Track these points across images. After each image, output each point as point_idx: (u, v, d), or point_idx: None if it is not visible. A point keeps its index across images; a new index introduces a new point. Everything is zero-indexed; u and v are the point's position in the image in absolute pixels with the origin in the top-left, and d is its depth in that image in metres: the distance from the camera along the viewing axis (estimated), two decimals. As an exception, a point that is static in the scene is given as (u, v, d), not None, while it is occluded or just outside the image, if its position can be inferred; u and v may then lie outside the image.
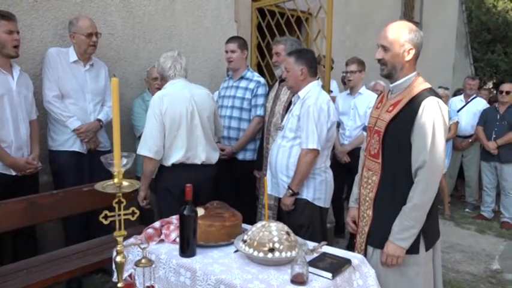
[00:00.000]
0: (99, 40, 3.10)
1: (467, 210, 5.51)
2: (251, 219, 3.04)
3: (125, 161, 1.34)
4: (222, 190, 3.13)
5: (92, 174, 2.98)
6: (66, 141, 2.98)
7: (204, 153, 2.76)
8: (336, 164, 3.99)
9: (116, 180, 1.33)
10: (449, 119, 5.13)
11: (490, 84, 14.20)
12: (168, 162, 2.68)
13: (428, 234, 1.97)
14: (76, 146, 3.00)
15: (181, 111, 2.66)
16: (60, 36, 3.17)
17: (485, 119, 5.16)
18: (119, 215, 1.38)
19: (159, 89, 3.23)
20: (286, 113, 2.90)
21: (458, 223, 5.04)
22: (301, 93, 2.67)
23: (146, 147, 2.61)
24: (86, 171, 3.02)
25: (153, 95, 3.23)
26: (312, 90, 2.65)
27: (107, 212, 1.37)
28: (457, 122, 5.24)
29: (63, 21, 3.16)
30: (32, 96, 2.87)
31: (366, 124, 2.28)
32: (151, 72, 3.48)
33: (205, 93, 2.84)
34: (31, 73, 2.95)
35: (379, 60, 2.00)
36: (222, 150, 3.33)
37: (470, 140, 5.38)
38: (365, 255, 2.05)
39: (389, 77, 2.02)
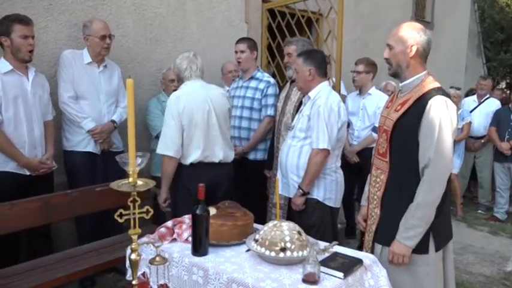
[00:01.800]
0: (112, 42, 3.15)
1: (480, 211, 5.46)
2: (261, 219, 3.06)
3: (139, 160, 1.38)
4: (233, 190, 3.16)
5: (105, 174, 3.03)
6: (81, 142, 3.04)
7: (222, 152, 2.80)
8: (345, 165, 3.99)
9: (131, 179, 1.36)
10: (462, 119, 5.10)
11: (503, 84, 14.04)
12: (187, 161, 2.73)
13: (439, 234, 1.97)
14: (90, 147, 3.06)
15: (197, 111, 2.71)
16: (74, 38, 3.24)
17: (498, 119, 5.12)
18: (134, 213, 1.42)
19: (175, 90, 3.28)
20: (296, 113, 2.91)
21: (471, 224, 5.01)
22: (311, 94, 2.69)
23: (166, 147, 2.67)
24: (99, 172, 3.07)
25: (168, 95, 3.29)
26: (322, 91, 2.66)
27: (122, 210, 1.40)
28: (470, 123, 5.21)
29: (77, 23, 3.22)
30: (48, 96, 2.92)
31: (376, 124, 2.30)
32: (167, 74, 3.53)
33: (221, 93, 2.88)
34: (46, 74, 3.00)
35: (386, 60, 2.05)
36: (233, 150, 3.37)
37: (483, 141, 5.34)
38: (372, 252, 2.06)
39: (396, 75, 2.05)
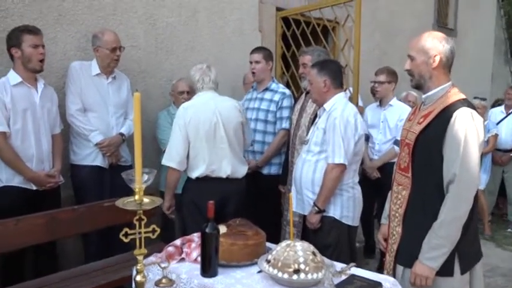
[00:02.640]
0: (122, 53, 3.19)
1: (509, 230, 5.31)
2: (275, 237, 3.04)
3: (146, 177, 1.37)
4: (246, 206, 3.15)
5: (113, 189, 3.04)
6: (88, 156, 3.06)
7: (230, 167, 2.80)
8: (365, 180, 3.95)
9: (136, 197, 1.35)
10: (488, 131, 5.00)
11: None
12: (193, 175, 2.77)
13: (466, 255, 1.92)
14: (98, 161, 3.08)
15: (204, 123, 2.73)
16: (83, 49, 3.29)
17: (527, 131, 5.01)
18: (139, 232, 1.41)
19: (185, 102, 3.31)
20: (311, 125, 2.89)
21: (500, 244, 4.88)
22: (326, 106, 2.67)
23: (170, 158, 2.74)
24: (107, 186, 3.09)
25: (178, 108, 3.31)
26: (338, 103, 2.64)
27: (127, 229, 1.39)
28: (496, 135, 5.10)
29: (86, 34, 3.27)
30: (57, 109, 2.97)
31: (398, 138, 2.28)
32: (177, 85, 3.56)
33: (232, 105, 2.89)
34: (55, 86, 3.05)
35: (408, 71, 2.03)
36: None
37: (511, 155, 5.22)
38: (394, 275, 2.01)
39: (419, 87, 2.04)
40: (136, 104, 1.33)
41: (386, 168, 3.72)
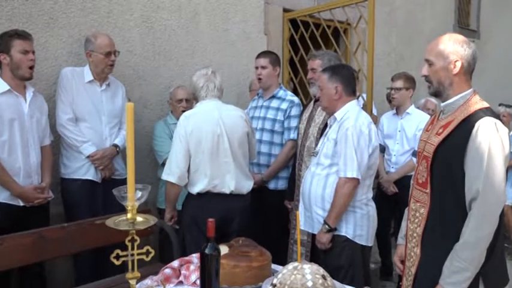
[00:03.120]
0: (117, 58, 3.21)
1: (540, 249, 5.24)
2: (282, 257, 3.02)
3: (139, 194, 1.36)
4: (251, 223, 3.13)
5: (106, 205, 3.04)
6: (80, 169, 3.07)
7: (234, 182, 2.80)
8: (381, 195, 3.93)
9: (129, 215, 1.35)
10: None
11: None
12: (194, 190, 2.76)
13: (491, 279, 1.89)
14: (90, 174, 3.08)
15: (206, 134, 2.73)
16: (75, 54, 3.32)
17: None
18: (132, 254, 1.40)
19: (185, 111, 3.32)
20: (321, 136, 2.89)
21: (530, 265, 4.79)
22: (337, 115, 2.67)
23: (169, 172, 2.75)
24: (100, 202, 3.09)
25: (177, 118, 3.31)
26: (351, 111, 2.64)
27: (118, 251, 1.38)
28: (524, 146, 5.05)
29: (79, 38, 3.30)
30: (46, 119, 2.98)
31: (416, 148, 2.26)
32: (175, 93, 3.57)
33: (238, 115, 2.89)
34: (44, 94, 3.08)
35: (425, 77, 2.02)
36: (250, 178, 3.35)
37: (541, 167, 5.16)
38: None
39: (438, 95, 2.02)
40: (129, 115, 1.33)
41: (404, 182, 3.69)
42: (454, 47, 1.94)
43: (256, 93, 3.80)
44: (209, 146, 2.73)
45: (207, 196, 2.76)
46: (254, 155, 3.16)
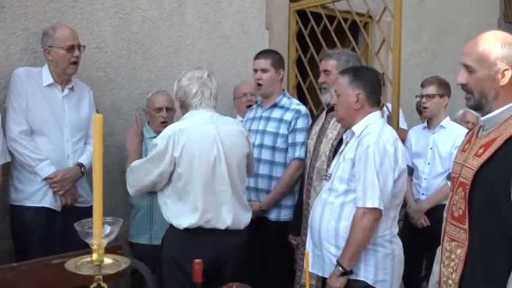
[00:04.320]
0: (83, 56, 3.23)
1: None
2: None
3: (108, 229, 1.35)
4: (248, 264, 3.12)
5: (65, 239, 3.02)
6: (35, 194, 3.06)
7: (231, 215, 2.78)
8: (409, 230, 3.92)
9: (94, 256, 1.33)
10: None
11: None
12: (180, 224, 2.73)
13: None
14: (47, 201, 3.07)
15: (201, 155, 2.71)
16: (31, 51, 3.34)
17: None
18: (98, 306, 1.38)
19: (165, 122, 3.30)
20: (334, 155, 2.89)
21: None
22: (356, 129, 2.67)
23: (128, 182, 2.84)
24: (58, 236, 3.08)
25: (155, 131, 3.30)
26: (372, 125, 2.64)
27: (80, 300, 1.37)
28: None
29: (37, 32, 3.32)
30: None
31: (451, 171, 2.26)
32: (153, 100, 3.59)
33: (238, 131, 2.89)
34: (-7, 101, 3.09)
35: (463, 86, 2.00)
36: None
37: None
38: None
39: (479, 108, 2.01)
40: (97, 128, 1.32)
41: (437, 213, 3.67)
42: (502, 51, 1.91)
43: (249, 100, 3.82)
44: (203, 172, 2.70)
45: (196, 233, 2.72)
46: (252, 172, 3.16)
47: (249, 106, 3.90)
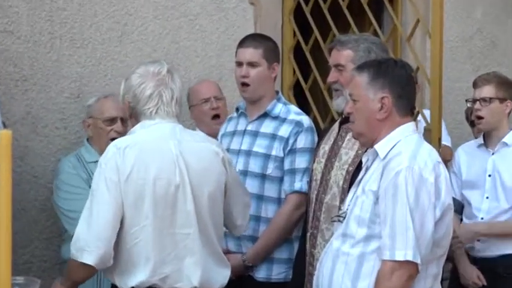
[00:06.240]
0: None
1: None
2: None
3: (19, 294, 1.36)
4: None
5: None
6: None
7: (199, 271, 2.78)
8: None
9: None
10: None
11: None
12: (126, 283, 2.74)
13: None
14: None
15: (155, 183, 2.71)
16: None
17: None
18: None
19: (115, 139, 3.31)
20: (351, 186, 2.91)
21: None
22: (380, 148, 2.68)
23: (82, 246, 2.67)
24: None
25: (101, 152, 3.29)
26: (403, 142, 2.66)
27: None
28: None
29: None
30: None
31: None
32: (101, 108, 3.62)
33: (210, 151, 2.90)
34: None
35: None
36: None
37: None
38: None
39: None
40: (4, 152, 1.33)
41: (497, 267, 3.72)
42: None
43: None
44: (158, 206, 2.71)
45: None
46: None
47: (216, 116, 3.92)
